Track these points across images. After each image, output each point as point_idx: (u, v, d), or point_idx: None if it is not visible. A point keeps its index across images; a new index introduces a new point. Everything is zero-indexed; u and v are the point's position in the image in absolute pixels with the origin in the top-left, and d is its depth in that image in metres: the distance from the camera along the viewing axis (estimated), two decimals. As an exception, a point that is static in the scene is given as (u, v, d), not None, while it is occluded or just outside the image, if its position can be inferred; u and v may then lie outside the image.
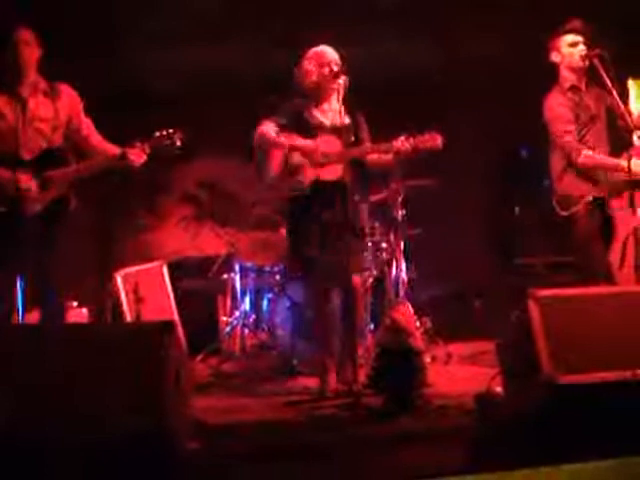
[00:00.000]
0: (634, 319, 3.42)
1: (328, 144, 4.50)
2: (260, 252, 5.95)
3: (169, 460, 3.05)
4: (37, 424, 3.01)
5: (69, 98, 4.31)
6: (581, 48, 4.57)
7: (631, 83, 5.45)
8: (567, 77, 4.69)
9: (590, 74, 4.63)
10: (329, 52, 4.60)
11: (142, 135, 4.31)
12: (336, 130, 4.47)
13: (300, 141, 4.51)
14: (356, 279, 4.60)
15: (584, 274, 4.53)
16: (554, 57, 4.70)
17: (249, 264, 5.78)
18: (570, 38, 4.61)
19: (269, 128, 4.57)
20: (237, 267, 5.70)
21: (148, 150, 4.23)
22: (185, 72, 6.21)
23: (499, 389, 3.76)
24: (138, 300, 4.98)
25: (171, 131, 4.25)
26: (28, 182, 4.11)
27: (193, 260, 6.29)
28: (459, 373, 5.04)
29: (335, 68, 4.49)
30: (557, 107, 4.65)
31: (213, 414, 4.07)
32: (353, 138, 4.57)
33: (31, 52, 4.16)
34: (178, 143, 4.26)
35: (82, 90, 4.46)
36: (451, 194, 6.26)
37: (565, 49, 4.65)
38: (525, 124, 5.20)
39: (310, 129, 4.55)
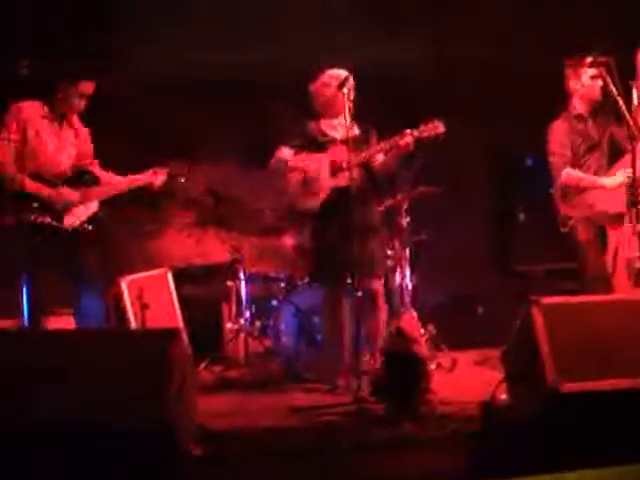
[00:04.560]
0: (637, 327, 3.42)
1: (340, 154, 4.70)
2: (265, 259, 5.96)
3: (173, 465, 3.07)
4: (41, 426, 3.02)
5: (82, 131, 4.73)
6: (600, 83, 4.64)
7: (636, 92, 5.45)
8: (577, 106, 4.82)
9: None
10: (336, 72, 4.82)
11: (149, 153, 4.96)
12: (347, 141, 4.61)
13: (311, 164, 4.80)
14: (377, 284, 4.80)
15: (585, 282, 4.75)
16: (573, 84, 4.79)
17: (254, 271, 5.79)
18: (592, 71, 4.66)
19: (285, 153, 4.88)
20: (242, 274, 5.71)
21: (167, 175, 4.83)
22: (189, 77, 6.23)
23: (504, 396, 3.77)
24: (143, 307, 4.99)
25: (185, 166, 4.91)
26: (71, 196, 4.51)
27: (198, 267, 6.29)
28: (463, 380, 5.04)
29: (337, 82, 4.68)
30: (556, 134, 4.86)
31: (217, 420, 4.06)
32: (365, 147, 4.79)
33: (84, 104, 4.59)
34: (186, 176, 4.93)
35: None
36: (455, 201, 6.26)
37: (586, 80, 4.73)
38: (531, 132, 5.22)
39: (322, 145, 4.83)
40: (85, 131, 4.75)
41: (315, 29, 6.01)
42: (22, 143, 4.44)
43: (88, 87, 4.53)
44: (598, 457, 3.09)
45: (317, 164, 4.81)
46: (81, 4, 5.73)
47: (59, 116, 4.57)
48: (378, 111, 5.10)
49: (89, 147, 4.78)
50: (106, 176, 4.76)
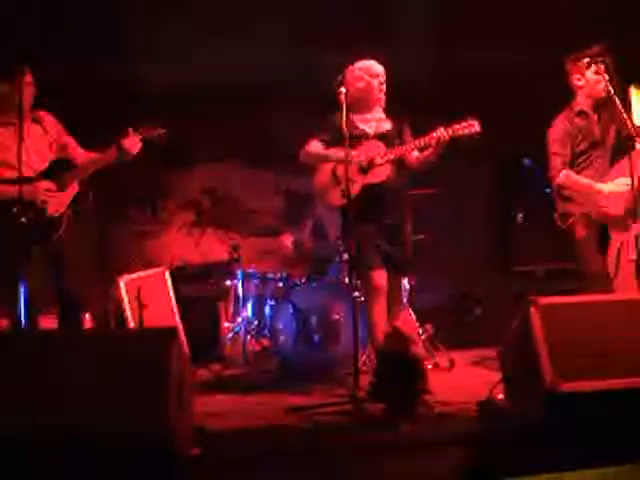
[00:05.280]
0: (635, 327, 3.42)
1: (373, 149, 4.67)
2: (263, 258, 5.96)
3: (171, 465, 3.06)
4: (39, 427, 3.02)
5: (50, 122, 4.65)
6: (605, 77, 4.60)
7: (633, 91, 5.45)
8: (580, 102, 4.77)
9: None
10: (367, 63, 4.82)
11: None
12: (379, 136, 4.70)
13: (342, 153, 4.59)
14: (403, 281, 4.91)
15: (583, 281, 4.69)
16: (576, 81, 4.75)
17: (251, 270, 5.79)
18: (595, 67, 4.64)
19: (315, 146, 4.82)
20: (239, 273, 5.71)
21: (140, 137, 4.62)
22: (188, 78, 6.23)
23: (501, 396, 3.76)
24: (141, 306, 5.00)
25: (157, 125, 4.70)
26: (47, 185, 4.47)
27: (195, 266, 6.29)
28: (461, 380, 5.04)
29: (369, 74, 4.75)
30: (558, 130, 4.79)
31: (215, 420, 4.07)
32: (398, 142, 4.76)
33: (31, 92, 4.51)
34: (160, 133, 4.69)
35: (82, 94, 4.63)
36: (453, 202, 6.26)
37: (590, 76, 4.69)
38: (529, 133, 5.22)
39: (353, 139, 4.63)
40: (51, 120, 4.67)
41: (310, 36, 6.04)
42: None
43: (27, 76, 4.45)
44: (597, 457, 3.08)
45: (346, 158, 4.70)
46: (83, 6, 5.73)
47: (19, 112, 4.40)
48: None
49: (61, 133, 4.69)
50: (83, 155, 4.68)
